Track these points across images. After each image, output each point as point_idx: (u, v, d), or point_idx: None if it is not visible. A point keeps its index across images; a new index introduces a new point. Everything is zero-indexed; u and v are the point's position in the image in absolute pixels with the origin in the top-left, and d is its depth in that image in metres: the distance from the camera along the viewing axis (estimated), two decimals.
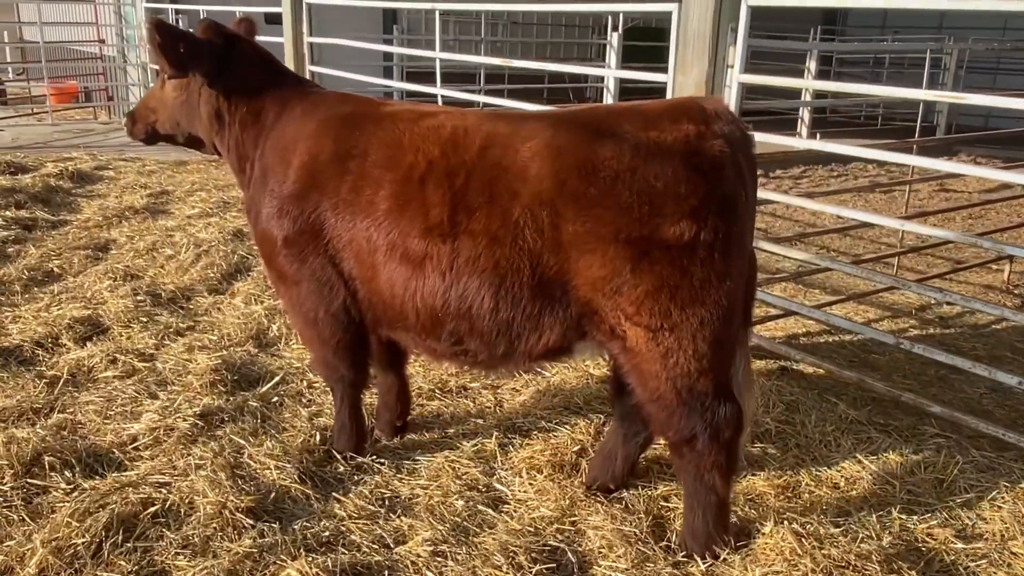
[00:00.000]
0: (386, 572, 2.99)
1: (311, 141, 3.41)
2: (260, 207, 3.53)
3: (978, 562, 3.20)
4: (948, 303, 6.89)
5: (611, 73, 7.35)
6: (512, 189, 2.97)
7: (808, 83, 5.31)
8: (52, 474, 3.53)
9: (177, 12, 12.96)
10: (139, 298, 5.57)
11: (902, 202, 11.56)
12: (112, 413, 4.10)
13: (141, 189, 9.35)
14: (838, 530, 3.22)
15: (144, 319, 5.29)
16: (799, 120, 14.69)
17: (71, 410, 4.13)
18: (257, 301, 5.64)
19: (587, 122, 3.04)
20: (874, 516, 3.37)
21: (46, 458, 3.59)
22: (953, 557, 3.22)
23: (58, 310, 5.37)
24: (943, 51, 16.47)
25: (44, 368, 4.60)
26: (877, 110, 17.97)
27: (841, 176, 13.38)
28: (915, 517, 3.42)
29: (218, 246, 6.66)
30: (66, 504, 3.31)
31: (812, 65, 14.65)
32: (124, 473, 3.60)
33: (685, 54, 4.83)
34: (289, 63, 9.46)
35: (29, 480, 3.49)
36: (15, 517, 3.27)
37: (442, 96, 8.00)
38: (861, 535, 3.20)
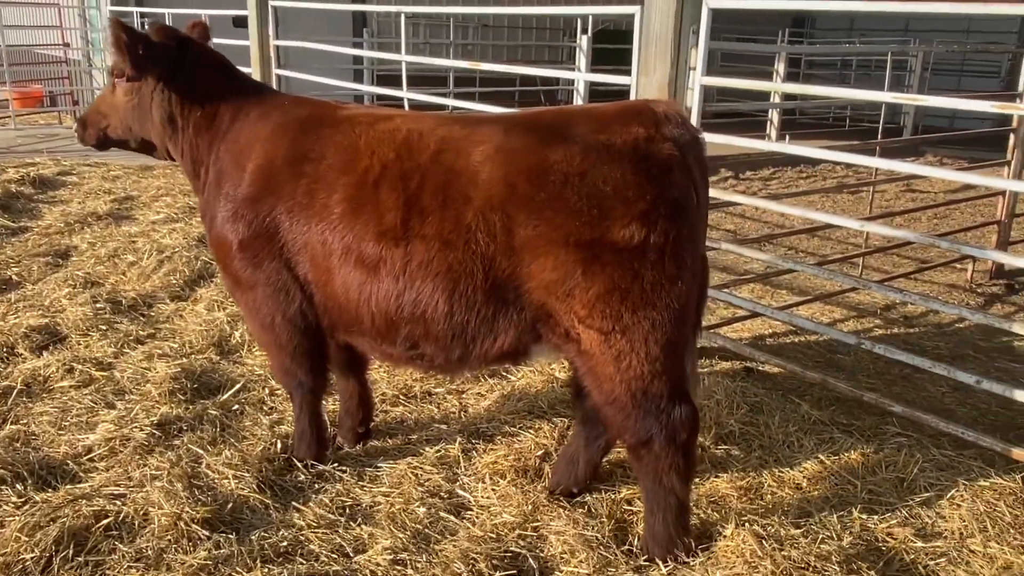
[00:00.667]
0: None
1: (267, 144, 3.37)
2: (215, 211, 3.48)
3: (937, 560, 3.22)
4: (912, 303, 6.98)
5: (579, 76, 7.37)
6: (465, 193, 2.95)
7: (770, 85, 5.35)
8: (3, 487, 3.45)
9: (142, 15, 12.81)
10: (99, 306, 5.47)
11: (868, 202, 11.71)
12: (67, 424, 4.02)
13: (105, 195, 9.23)
14: (799, 531, 3.23)
15: (103, 327, 5.20)
16: (768, 122, 14.82)
17: (24, 421, 4.05)
18: (219, 307, 5.56)
19: (539, 125, 3.03)
20: (835, 516, 3.38)
21: None
22: (912, 556, 3.23)
23: (15, 319, 5.27)
24: (908, 53, 16.72)
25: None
26: (845, 111, 18.17)
27: (811, 177, 13.48)
28: (875, 516, 3.43)
29: (181, 252, 6.58)
30: (15, 518, 3.23)
31: (780, 67, 14.79)
32: (78, 485, 3.52)
33: (648, 56, 4.83)
34: (255, 66, 9.38)
35: None
36: None
37: (411, 100, 7.97)
38: (821, 535, 3.21)
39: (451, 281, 2.97)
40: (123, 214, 8.42)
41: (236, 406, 4.27)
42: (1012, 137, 7.62)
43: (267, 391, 4.47)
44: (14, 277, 6.17)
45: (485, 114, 3.36)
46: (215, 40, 10.76)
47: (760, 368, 4.99)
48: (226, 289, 3.81)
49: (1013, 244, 8.17)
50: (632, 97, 5.07)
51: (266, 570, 2.94)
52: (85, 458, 3.75)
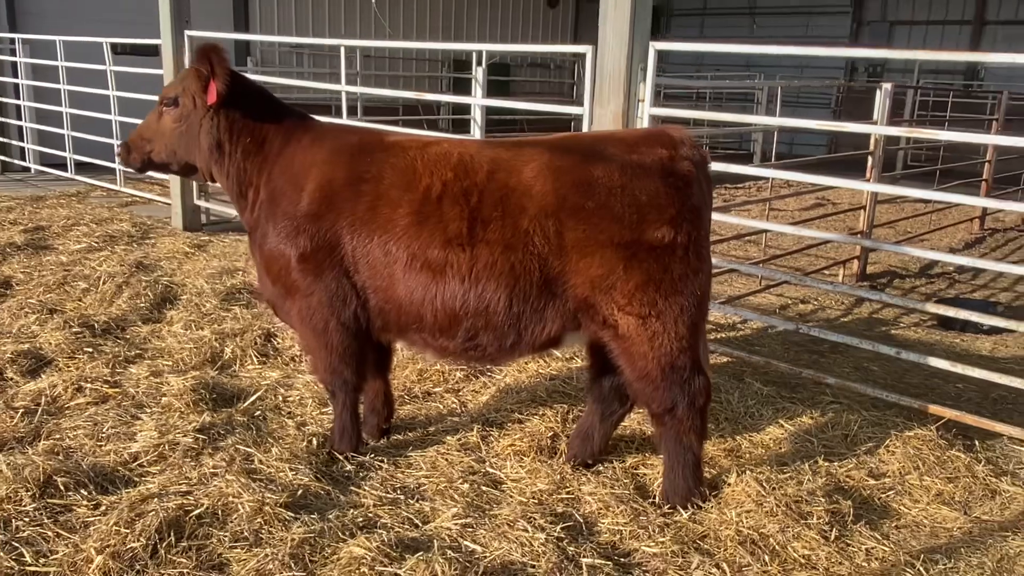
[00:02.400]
0: (434, 542, 3.38)
1: (324, 167, 3.78)
2: (268, 227, 3.84)
3: (887, 493, 4.03)
4: (802, 301, 8.06)
5: (477, 102, 8.02)
6: (520, 204, 3.51)
7: (715, 115, 6.18)
8: (69, 493, 3.63)
9: (24, 41, 12.38)
10: (74, 330, 5.54)
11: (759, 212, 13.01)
12: (104, 435, 4.19)
13: (11, 225, 9.00)
14: (785, 476, 3.96)
15: (88, 349, 5.30)
16: None
17: (57, 436, 4.17)
18: (199, 327, 5.76)
19: (577, 147, 3.64)
20: (806, 465, 4.14)
21: (57, 479, 3.68)
22: (868, 492, 4.03)
23: None
24: (755, 87, 18.61)
25: (6, 399, 4.56)
26: (702, 139, 19.83)
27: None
28: (835, 463, 4.22)
29: (139, 276, 6.67)
30: (97, 518, 3.45)
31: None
32: (141, 487, 3.74)
33: (602, 90, 5.53)
34: None
35: (48, 500, 3.57)
36: (49, 534, 3.37)
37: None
38: (803, 479, 3.95)
39: (512, 278, 3.51)
40: (41, 244, 8.27)
41: (258, 412, 4.56)
42: (870, 159, 8.94)
43: (280, 398, 4.78)
44: None
45: (518, 139, 3.92)
46: (118, 68, 10.67)
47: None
48: (268, 300, 4.11)
49: (873, 251, 9.53)
50: (585, 125, 5.78)
51: (361, 539, 3.33)
52: (135, 464, 3.96)
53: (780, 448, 4.39)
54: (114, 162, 11.26)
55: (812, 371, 5.09)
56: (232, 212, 9.66)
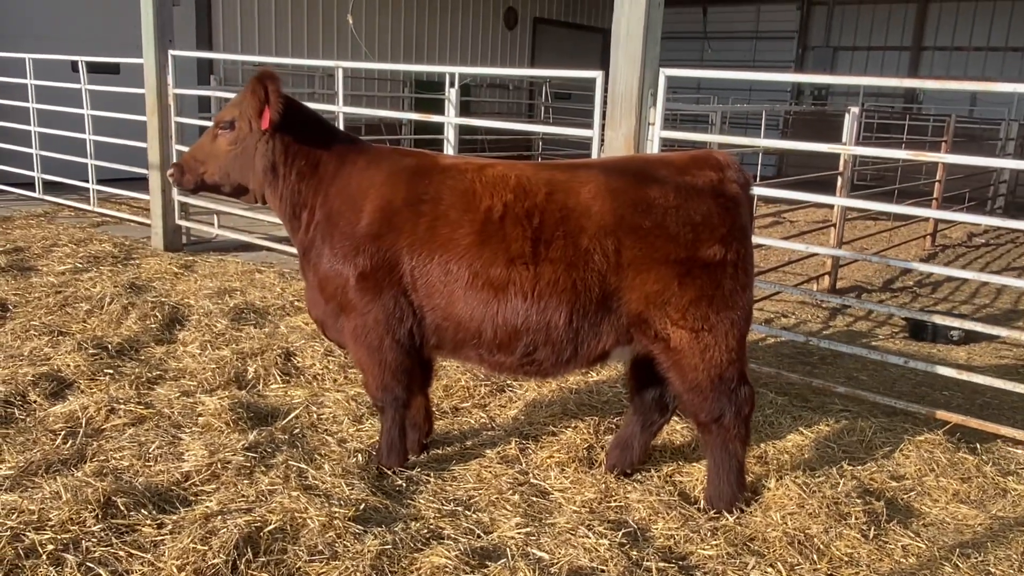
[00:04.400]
0: (506, 548, 3.49)
1: (382, 189, 3.89)
2: (325, 248, 3.93)
3: (908, 494, 4.29)
4: (784, 314, 8.40)
5: (451, 120, 8.23)
6: (580, 224, 3.68)
7: (725, 139, 6.47)
8: (131, 513, 3.64)
9: None
10: (90, 352, 5.49)
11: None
12: (151, 456, 4.19)
13: None
14: (819, 479, 4.19)
15: (109, 371, 5.26)
16: None
17: (102, 458, 4.16)
18: (215, 347, 5.76)
19: (630, 170, 3.83)
20: (833, 469, 4.38)
21: (118, 499, 3.68)
22: (892, 493, 4.28)
23: (6, 369, 5.18)
24: (710, 110, 19.24)
25: (36, 422, 4.52)
26: None
27: None
28: (858, 467, 4.47)
29: (144, 296, 6.61)
30: (163, 537, 3.48)
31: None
32: (199, 507, 3.77)
33: (614, 113, 5.76)
34: (152, 115, 9.34)
35: (112, 520, 3.58)
36: (121, 554, 3.38)
37: None
38: (835, 482, 4.19)
39: (573, 295, 3.67)
40: (25, 265, 8.11)
41: (296, 430, 4.61)
42: (840, 179, 9.39)
43: (315, 416, 4.83)
44: None
45: (568, 162, 4.10)
46: (91, 87, 10.55)
47: None
48: (318, 316, 4.17)
49: (843, 266, 9.99)
50: (595, 148, 6.00)
51: (439, 549, 3.43)
52: (187, 483, 3.97)
53: (804, 454, 4.62)
54: (87, 181, 11.10)
55: (822, 381, 5.36)
56: (213, 231, 9.63)
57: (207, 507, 3.74)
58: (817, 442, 4.76)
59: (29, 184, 11.92)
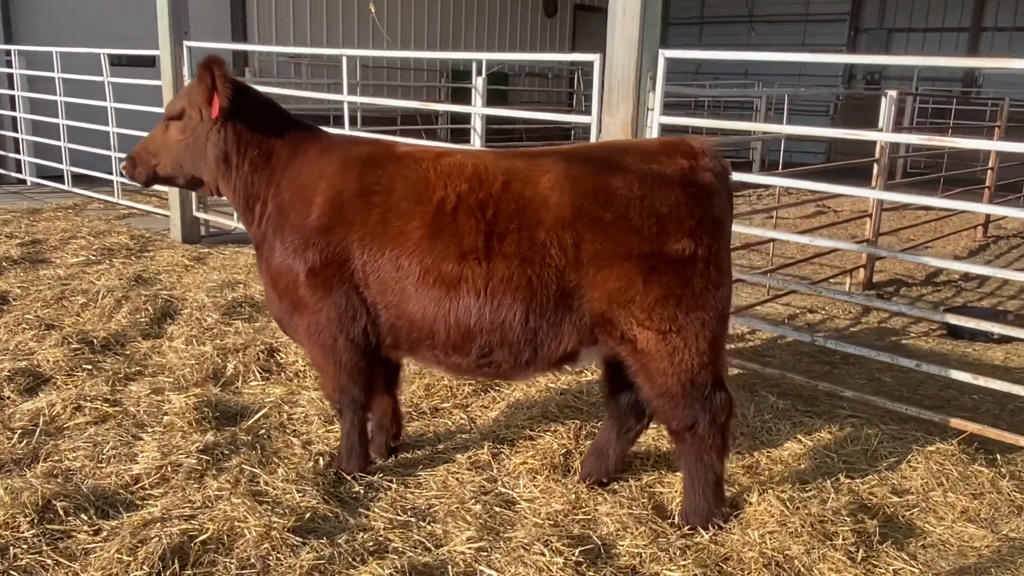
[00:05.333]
0: (448, 568, 3.26)
1: (334, 179, 3.67)
2: (276, 242, 3.73)
3: (911, 511, 3.92)
4: (811, 310, 7.97)
5: (480, 111, 7.96)
6: (537, 216, 3.40)
7: (725, 124, 6.09)
8: (69, 518, 3.50)
9: (20, 53, 12.27)
10: (73, 346, 5.42)
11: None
12: (104, 457, 4.06)
13: (7, 239, 8.84)
14: (807, 494, 3.85)
15: (87, 367, 5.17)
16: None
17: (56, 458, 4.05)
18: (200, 342, 5.64)
19: (594, 157, 3.54)
20: (828, 482, 4.03)
21: (57, 503, 3.55)
22: (892, 509, 3.91)
23: None
24: (753, 96, 18.61)
25: (4, 420, 4.43)
26: None
27: None
28: (857, 480, 4.11)
29: (138, 290, 6.54)
30: (98, 544, 3.33)
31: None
32: (143, 512, 3.62)
33: (611, 98, 5.44)
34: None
35: (47, 526, 3.44)
36: (48, 562, 3.24)
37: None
38: (826, 497, 3.84)
39: (528, 292, 3.40)
40: (38, 258, 8.14)
41: (262, 431, 4.44)
42: (875, 167, 8.87)
43: (284, 416, 4.66)
44: None
45: (533, 149, 3.82)
46: (115, 80, 10.58)
47: None
48: (275, 314, 4.00)
49: (881, 259, 9.45)
50: (593, 134, 5.68)
51: (373, 565, 3.21)
52: (136, 487, 3.83)
53: (800, 464, 4.28)
54: (111, 174, 11.18)
55: (828, 384, 4.98)
56: (232, 223, 9.57)
57: (148, 513, 3.59)
58: (815, 451, 4.40)
59: (60, 177, 12.09)
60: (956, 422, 4.54)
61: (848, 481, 4.07)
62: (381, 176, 3.64)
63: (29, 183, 13.07)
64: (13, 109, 12.85)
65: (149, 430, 4.38)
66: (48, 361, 5.19)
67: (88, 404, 4.59)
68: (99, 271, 7.59)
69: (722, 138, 15.37)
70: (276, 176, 3.81)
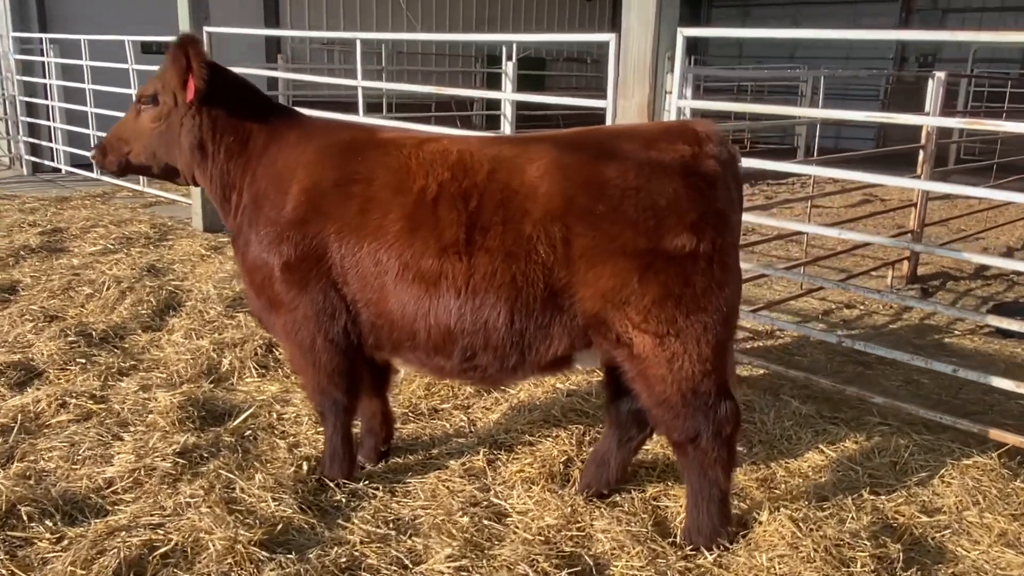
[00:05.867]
0: None
1: (311, 168, 3.43)
2: (251, 234, 3.50)
3: (942, 532, 3.55)
4: (848, 305, 7.53)
5: (521, 98, 7.63)
6: (524, 207, 3.11)
7: (748, 107, 5.71)
8: (32, 524, 3.33)
9: (51, 41, 12.30)
10: (70, 339, 5.28)
11: (779, 216, 12.46)
12: (79, 458, 3.89)
13: (30, 227, 8.82)
14: (824, 513, 3.51)
15: (81, 360, 5.03)
16: None
17: (32, 458, 3.89)
18: (199, 336, 5.47)
19: (588, 143, 3.23)
20: (849, 499, 3.68)
21: (22, 508, 3.39)
22: (921, 530, 3.56)
23: None
24: (800, 79, 17.91)
25: None
26: (743, 133, 19.21)
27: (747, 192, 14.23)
28: (882, 497, 3.75)
29: (143, 281, 6.41)
30: (58, 554, 3.15)
31: (688, 91, 15.52)
32: (109, 518, 3.44)
33: (626, 81, 5.11)
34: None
35: (8, 532, 3.28)
36: (3, 572, 3.07)
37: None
38: (845, 516, 3.50)
39: (514, 290, 3.11)
40: (56, 246, 8.08)
41: (248, 432, 4.24)
42: (922, 153, 8.36)
43: (274, 416, 4.45)
44: None
45: (525, 135, 3.53)
46: (138, 67, 10.48)
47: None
48: (255, 312, 3.79)
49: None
50: (609, 119, 5.35)
51: None
52: (108, 491, 3.65)
53: (820, 478, 3.93)
54: None
55: (856, 388, 4.60)
56: None
57: (115, 520, 3.40)
58: (838, 463, 4.05)
59: (91, 165, 12.10)
60: (996, 433, 4.14)
61: (872, 498, 3.72)
62: (361, 164, 3.38)
63: (63, 171, 13.13)
64: (47, 98, 12.91)
65: (131, 429, 4.20)
66: (43, 354, 5.06)
67: (73, 401, 4.44)
68: (113, 260, 7.49)
69: (765, 123, 14.86)
70: (252, 164, 3.58)
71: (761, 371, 5.22)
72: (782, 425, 4.41)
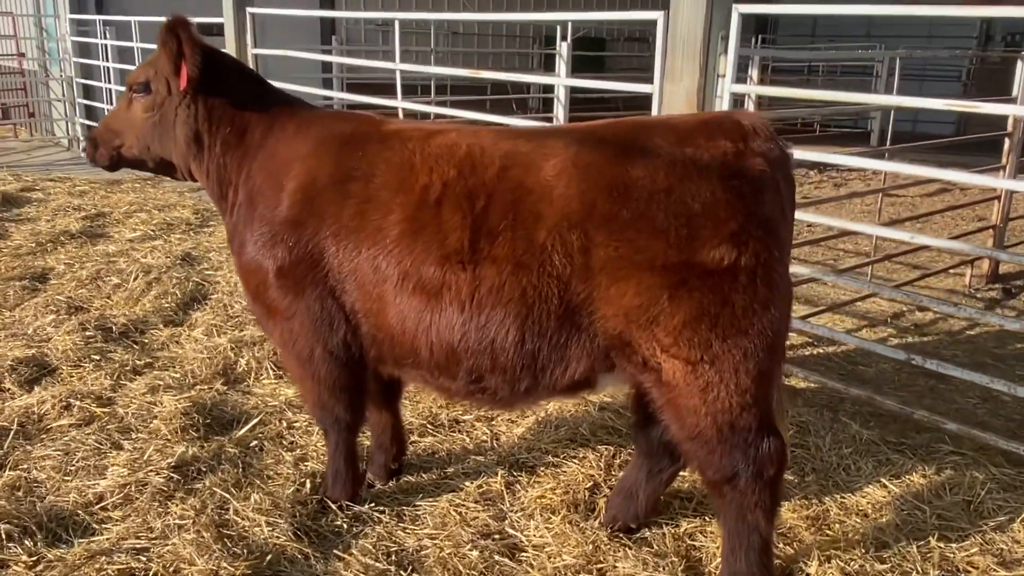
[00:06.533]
0: None
1: (308, 162, 3.10)
2: (246, 235, 3.20)
3: None
4: (920, 308, 6.92)
5: (561, 82, 7.21)
6: (537, 211, 2.72)
7: (809, 93, 5.16)
8: (10, 544, 3.11)
9: (105, 24, 12.30)
10: (88, 333, 5.11)
11: (850, 209, 11.76)
12: (73, 468, 3.68)
13: (74, 211, 8.77)
14: (883, 566, 3.06)
15: (96, 357, 4.84)
16: None
17: (24, 466, 3.69)
18: (220, 333, 5.24)
19: (614, 138, 2.81)
20: (913, 546, 3.22)
21: (2, 526, 3.17)
22: None
23: None
24: (875, 59, 16.93)
25: None
26: (814, 116, 18.31)
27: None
28: (953, 545, 3.27)
29: (169, 272, 6.23)
30: None
31: (754, 73, 14.79)
32: (93, 539, 3.20)
33: (674, 63, 4.64)
34: None
35: None
36: None
37: (385, 107, 7.71)
38: (908, 569, 3.04)
39: (524, 307, 2.73)
40: (96, 232, 7.99)
41: (254, 442, 3.97)
42: (1007, 141, 7.64)
43: (284, 424, 4.17)
44: None
45: (547, 126, 3.14)
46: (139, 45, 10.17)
47: (786, 382, 4.84)
48: (255, 318, 3.52)
49: (1009, 247, 8.19)
50: (655, 106, 4.89)
51: None
52: (97, 507, 3.42)
53: (880, 518, 3.46)
54: None
55: (927, 413, 4.09)
56: None
57: (97, 543, 3.16)
58: (902, 501, 3.57)
59: None
60: None
61: (940, 546, 3.24)
62: (362, 159, 3.04)
63: None
64: (104, 80, 12.96)
65: (133, 436, 3.97)
66: (58, 350, 4.88)
67: (78, 403, 4.23)
68: (150, 248, 7.35)
69: (838, 107, 14.06)
70: (248, 158, 3.27)
71: (816, 385, 4.73)
72: (839, 452, 3.94)
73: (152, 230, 8.11)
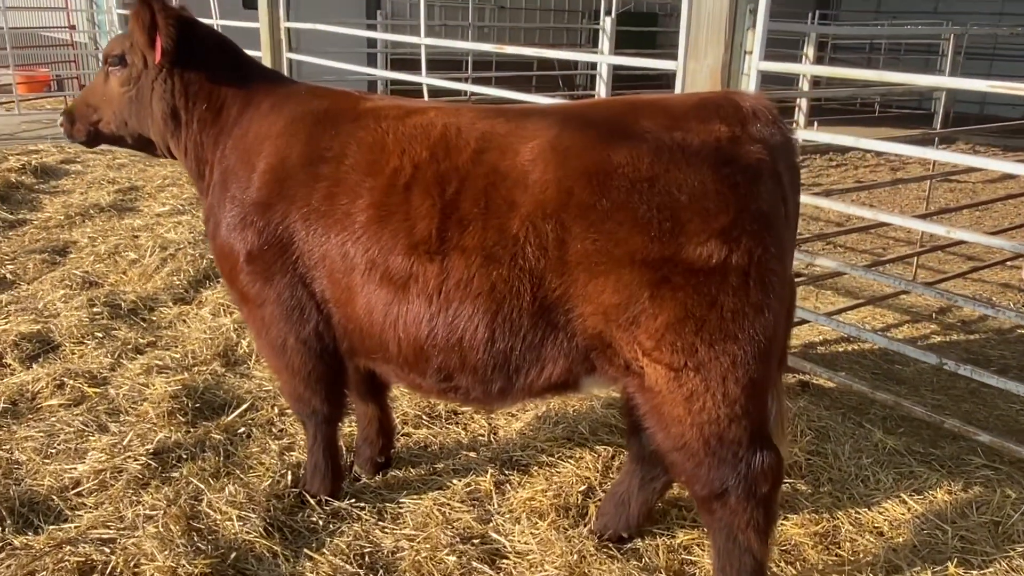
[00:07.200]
0: None
1: (279, 141, 2.93)
2: (219, 217, 3.05)
3: None
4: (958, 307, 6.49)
5: (605, 59, 6.90)
6: (511, 198, 2.50)
7: (839, 72, 4.79)
8: None
9: None
10: (96, 310, 5.06)
11: (905, 195, 11.21)
12: (54, 451, 3.60)
13: (109, 185, 8.79)
14: None
15: (100, 334, 4.79)
16: (796, 108, 14.24)
17: (7, 447, 3.63)
18: (226, 312, 5.14)
19: (599, 120, 2.56)
20: (929, 572, 2.94)
21: None
22: None
23: (4, 324, 4.86)
24: (940, 36, 16.09)
25: None
26: (873, 97, 17.55)
27: (841, 166, 12.99)
28: (974, 572, 2.99)
29: (186, 249, 6.15)
30: None
31: (809, 51, 14.17)
32: (63, 526, 3.11)
33: (698, 39, 4.34)
34: (265, 50, 8.90)
35: None
36: None
37: (429, 86, 7.50)
38: None
39: (494, 302, 2.52)
40: (126, 206, 8.00)
41: (242, 428, 3.85)
42: None
43: (276, 410, 4.04)
44: (8, 276, 5.76)
45: (532, 105, 2.91)
46: (224, 22, 10.25)
47: (813, 381, 4.54)
48: (233, 303, 3.38)
49: None
50: (678, 84, 4.60)
51: None
52: (72, 492, 3.34)
53: (896, 538, 3.18)
54: None
55: (958, 422, 3.76)
56: None
57: (67, 530, 3.07)
58: (923, 519, 3.28)
59: None
60: None
61: (959, 572, 2.96)
62: (334, 139, 2.85)
63: None
64: None
65: (121, 418, 3.88)
66: (63, 326, 4.84)
67: (71, 382, 4.17)
68: (175, 223, 7.30)
69: (900, 87, 13.37)
70: (224, 136, 3.11)
71: (837, 387, 4.42)
72: (859, 462, 3.65)
73: (180, 205, 8.06)
